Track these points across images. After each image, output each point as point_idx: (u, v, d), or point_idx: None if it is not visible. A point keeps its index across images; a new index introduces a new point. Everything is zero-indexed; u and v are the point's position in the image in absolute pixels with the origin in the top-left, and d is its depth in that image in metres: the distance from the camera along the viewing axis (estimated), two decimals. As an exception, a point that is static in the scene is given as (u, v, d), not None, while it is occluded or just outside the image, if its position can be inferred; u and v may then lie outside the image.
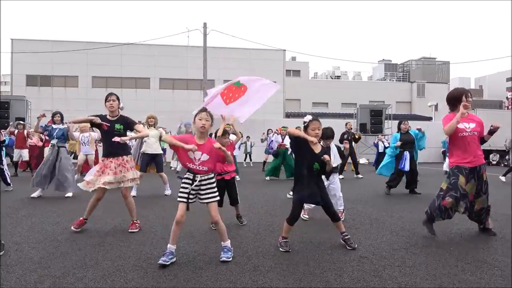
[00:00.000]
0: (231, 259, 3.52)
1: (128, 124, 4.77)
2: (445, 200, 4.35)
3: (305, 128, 3.90)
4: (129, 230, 4.62)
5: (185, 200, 3.48)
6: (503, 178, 11.34)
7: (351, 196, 7.84)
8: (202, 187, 3.52)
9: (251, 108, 10.86)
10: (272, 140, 12.38)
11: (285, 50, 30.79)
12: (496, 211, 5.57)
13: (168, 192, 7.79)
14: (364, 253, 3.81)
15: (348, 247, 3.93)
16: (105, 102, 4.69)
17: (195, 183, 3.47)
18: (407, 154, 8.11)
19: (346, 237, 3.99)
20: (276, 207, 6.46)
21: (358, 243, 4.13)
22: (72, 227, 4.65)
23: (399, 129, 8.49)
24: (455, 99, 4.47)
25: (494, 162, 20.05)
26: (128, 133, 4.97)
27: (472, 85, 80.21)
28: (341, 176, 11.89)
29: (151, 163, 7.74)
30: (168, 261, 3.38)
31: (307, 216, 5.41)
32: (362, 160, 20.42)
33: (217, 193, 3.59)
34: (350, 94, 36.97)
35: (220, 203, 4.85)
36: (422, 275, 3.19)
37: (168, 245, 3.49)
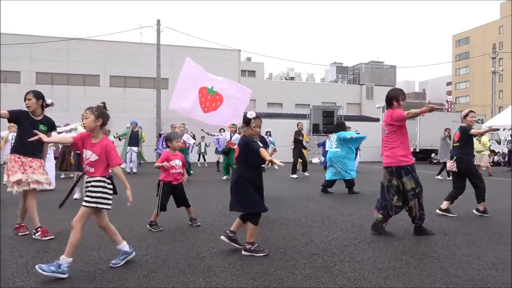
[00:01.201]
0: (122, 263, 3.36)
1: (51, 126, 4.52)
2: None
3: (247, 124, 3.75)
4: (20, 233, 4.45)
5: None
6: (439, 177, 12.08)
7: (304, 194, 8.02)
8: (89, 189, 3.23)
9: (229, 119, 11.27)
10: (218, 139, 12.25)
11: (240, 50, 30.89)
12: (433, 208, 5.94)
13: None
14: (315, 250, 3.91)
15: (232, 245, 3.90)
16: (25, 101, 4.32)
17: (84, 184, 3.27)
18: None
19: (233, 238, 3.90)
20: (231, 207, 6.45)
21: (310, 241, 4.24)
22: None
23: (344, 129, 8.70)
24: (390, 99, 4.54)
25: (435, 161, 21.39)
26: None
27: (416, 88, 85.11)
28: (295, 176, 12.17)
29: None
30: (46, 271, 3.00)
31: None
32: (315, 160, 20.96)
33: (99, 200, 3.21)
34: (303, 95, 37.83)
35: (164, 208, 4.76)
36: (369, 269, 3.33)
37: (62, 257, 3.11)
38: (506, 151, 18.95)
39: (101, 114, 3.28)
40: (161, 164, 4.73)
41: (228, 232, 3.90)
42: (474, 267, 3.41)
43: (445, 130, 12.46)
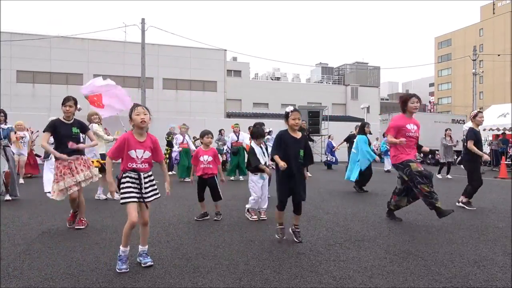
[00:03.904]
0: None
1: (83, 128, 4.91)
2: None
3: (286, 118, 4.14)
4: (76, 227, 4.74)
5: (136, 200, 3.31)
6: (439, 176, 12.29)
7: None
8: (146, 185, 3.40)
9: (116, 108, 13.02)
10: (227, 144, 11.91)
11: (226, 50, 30.76)
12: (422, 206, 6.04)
13: (102, 196, 7.29)
14: (301, 249, 3.93)
15: (295, 239, 4.22)
16: (62, 106, 4.74)
17: (142, 182, 3.36)
18: None
19: (296, 230, 4.29)
20: (217, 207, 6.43)
21: (296, 240, 4.26)
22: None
23: (363, 131, 8.62)
24: (403, 102, 5.27)
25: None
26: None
27: (399, 89, 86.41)
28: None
29: None
30: (127, 268, 3.23)
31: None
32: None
33: (157, 191, 3.51)
34: (289, 95, 37.94)
35: (200, 199, 5.42)
36: (354, 268, 3.37)
37: (121, 249, 3.30)
38: (487, 151, 19.35)
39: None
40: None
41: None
42: (456, 264, 3.48)
43: (445, 130, 12.75)
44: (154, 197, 3.47)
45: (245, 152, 11.06)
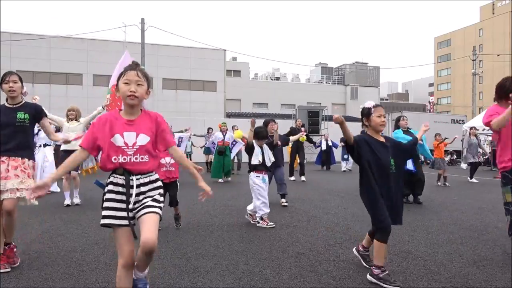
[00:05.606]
0: None
1: (38, 113, 3.51)
2: None
3: (367, 116, 3.15)
4: None
5: (120, 223, 2.20)
6: (473, 180, 11.48)
7: (290, 195, 8.05)
8: (140, 197, 2.23)
9: None
10: (212, 140, 11.79)
11: (225, 50, 30.80)
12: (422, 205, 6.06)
13: (71, 200, 6.49)
14: (301, 249, 3.93)
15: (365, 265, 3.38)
16: (2, 84, 3.38)
17: (134, 190, 2.19)
18: None
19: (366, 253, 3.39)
20: (216, 207, 6.44)
21: (296, 240, 4.26)
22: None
23: (397, 126, 7.28)
24: (504, 90, 3.43)
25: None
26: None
27: (399, 89, 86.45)
28: (292, 178, 11.23)
29: None
30: None
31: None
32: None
33: (161, 201, 2.31)
34: (289, 95, 38.00)
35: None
36: (354, 268, 3.37)
37: None
38: (488, 151, 19.31)
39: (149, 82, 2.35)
40: None
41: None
42: (455, 264, 3.48)
43: (470, 129, 12.38)
44: (152, 210, 2.19)
45: (231, 153, 10.88)
